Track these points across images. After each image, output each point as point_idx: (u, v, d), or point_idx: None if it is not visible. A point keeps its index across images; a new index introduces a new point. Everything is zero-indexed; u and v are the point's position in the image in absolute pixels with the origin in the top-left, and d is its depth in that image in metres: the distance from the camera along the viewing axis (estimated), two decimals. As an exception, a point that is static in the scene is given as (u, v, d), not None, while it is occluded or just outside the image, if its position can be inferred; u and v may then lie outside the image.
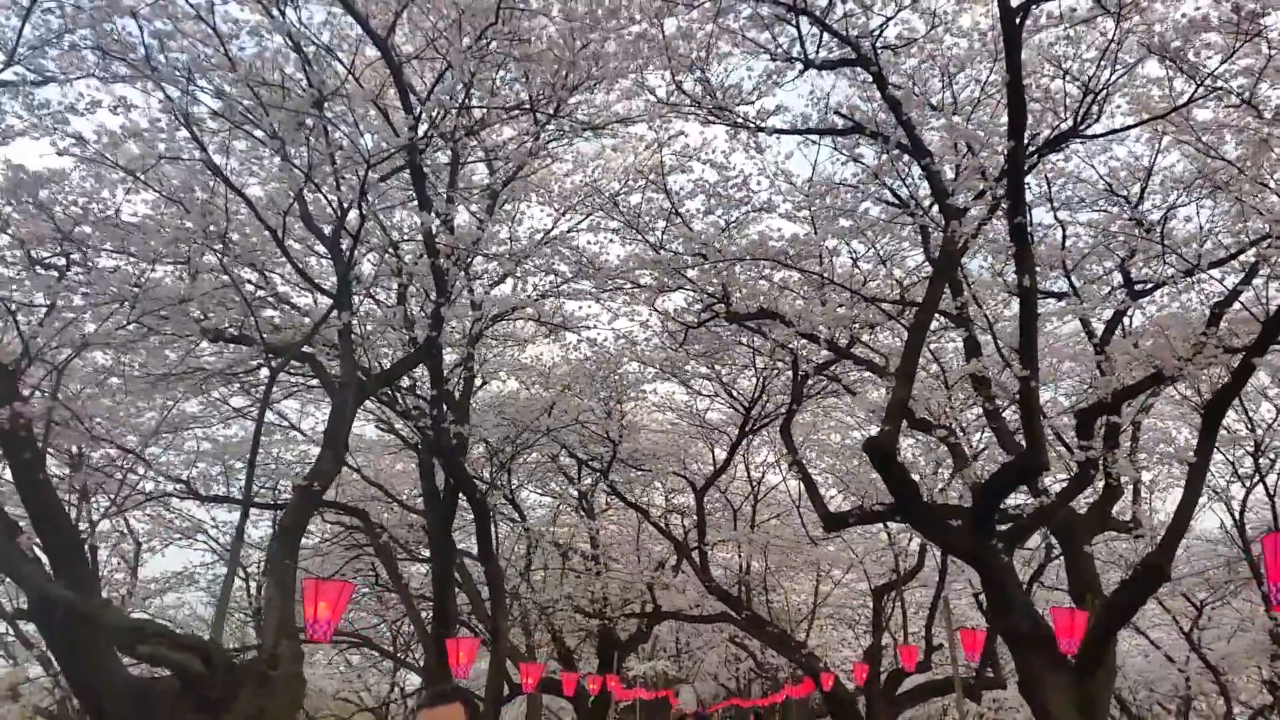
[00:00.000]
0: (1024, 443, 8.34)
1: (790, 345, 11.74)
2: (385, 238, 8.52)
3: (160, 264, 8.21)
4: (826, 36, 8.55)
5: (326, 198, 8.99)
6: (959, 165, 8.73)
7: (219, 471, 15.19)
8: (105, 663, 6.03)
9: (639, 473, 18.25)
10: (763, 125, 9.09)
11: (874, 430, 9.13)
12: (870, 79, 9.43)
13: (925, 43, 9.43)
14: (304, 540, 17.63)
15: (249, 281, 9.58)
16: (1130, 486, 11.17)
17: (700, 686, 31.81)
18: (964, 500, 11.97)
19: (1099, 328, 10.29)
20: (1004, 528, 9.84)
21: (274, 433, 14.57)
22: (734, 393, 15.90)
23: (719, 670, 30.24)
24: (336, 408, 7.29)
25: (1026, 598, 9.21)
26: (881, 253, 11.90)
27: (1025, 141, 7.36)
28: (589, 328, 13.37)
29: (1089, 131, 8.41)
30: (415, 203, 7.55)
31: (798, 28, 8.47)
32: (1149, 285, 9.46)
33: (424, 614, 13.59)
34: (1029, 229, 7.85)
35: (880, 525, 18.66)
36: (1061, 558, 17.92)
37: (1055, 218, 10.30)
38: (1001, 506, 9.53)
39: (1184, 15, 7.75)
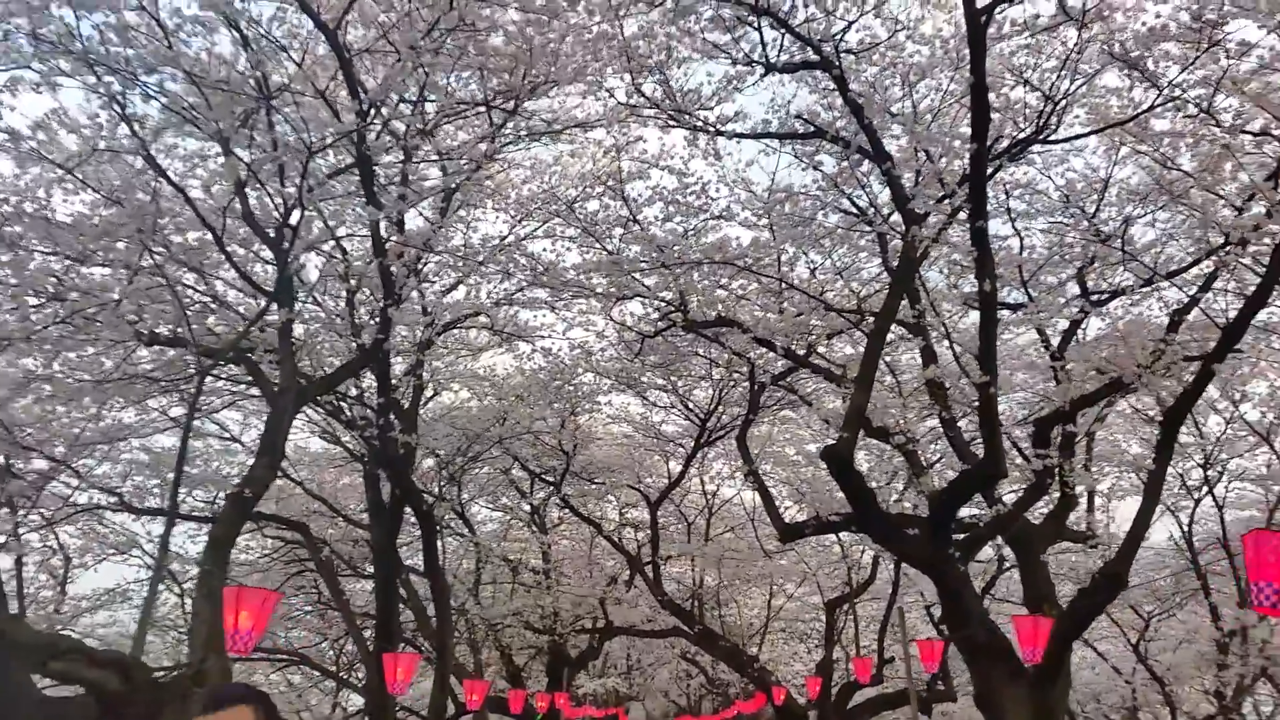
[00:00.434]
0: (982, 451, 8.31)
1: (747, 354, 11.61)
2: (328, 232, 8.17)
3: (93, 264, 7.79)
4: (788, 41, 8.46)
5: (271, 198, 8.66)
6: (919, 171, 8.66)
7: (156, 484, 14.64)
8: (15, 682, 5.61)
9: (593, 486, 18.00)
10: (723, 130, 8.96)
11: (831, 440, 9.01)
12: (831, 85, 9.43)
13: (886, 49, 9.39)
14: (244, 556, 17.17)
15: (188, 286, 9.19)
16: (1085, 497, 11.17)
17: (651, 703, 31.52)
18: (919, 512, 11.89)
19: (1054, 339, 10.31)
20: (960, 537, 9.78)
21: (214, 444, 14.08)
22: (690, 404, 15.74)
23: (670, 687, 29.98)
24: (274, 413, 6.95)
25: (983, 608, 9.11)
26: (838, 264, 11.85)
27: (988, 146, 7.29)
28: (543, 337, 13.12)
29: (1051, 138, 8.33)
30: (364, 201, 7.24)
31: (760, 30, 8.36)
32: (1106, 294, 9.46)
33: (368, 632, 13.17)
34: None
35: (834, 538, 18.61)
36: (1012, 570, 18.12)
37: (1013, 227, 10.32)
38: (957, 516, 9.45)
39: (1145, 24, 7.76)
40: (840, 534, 18.18)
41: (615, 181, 10.41)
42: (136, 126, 7.61)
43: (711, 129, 8.91)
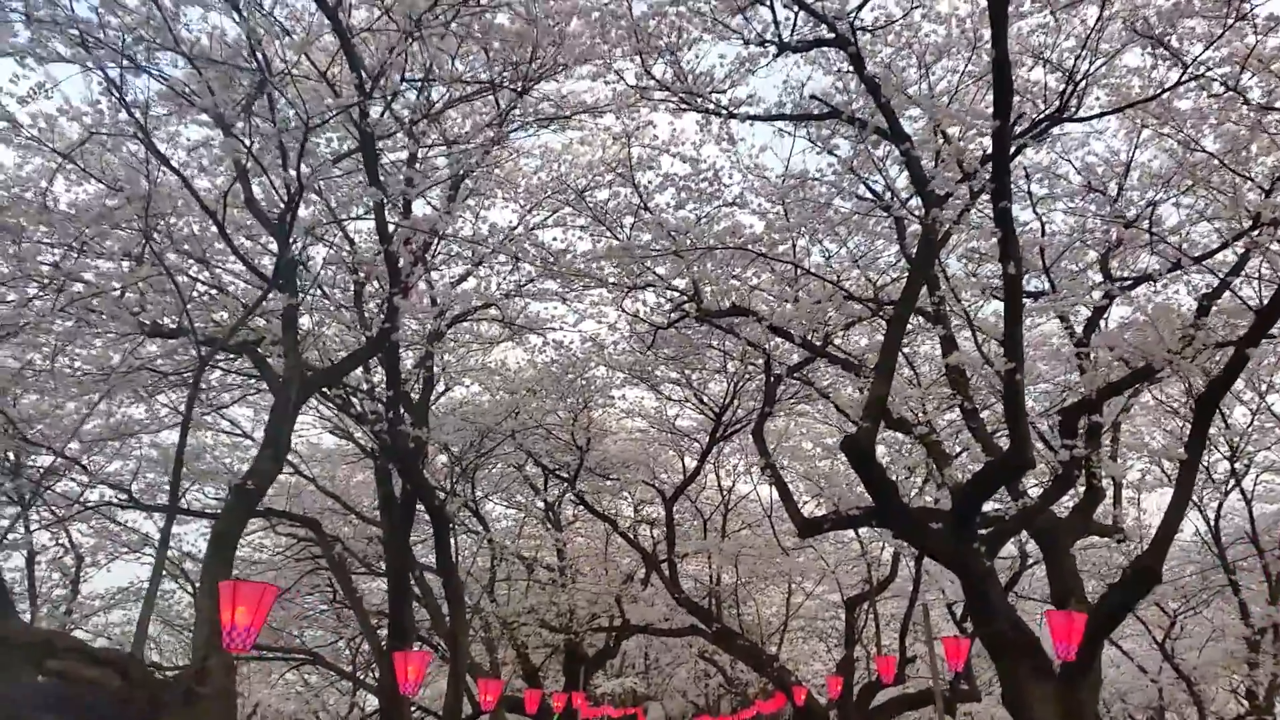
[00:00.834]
0: (1006, 443, 8.06)
1: (763, 346, 11.38)
2: (330, 214, 7.98)
3: (93, 252, 7.64)
4: (801, 20, 8.23)
5: (275, 187, 8.48)
6: (938, 152, 8.41)
7: (166, 480, 14.52)
8: (17, 681, 5.45)
9: (607, 482, 17.78)
10: (735, 112, 8.73)
11: (850, 432, 8.77)
12: (846, 67, 9.18)
13: (902, 29, 9.15)
14: (257, 555, 17.04)
15: (192, 277, 9.03)
16: (1111, 490, 10.88)
17: (669, 703, 31.27)
18: (941, 506, 11.62)
19: (1077, 328, 10.03)
20: (984, 532, 9.50)
21: (224, 440, 13.96)
22: (704, 398, 15.51)
23: (688, 687, 29.73)
24: (278, 404, 6.79)
25: (1009, 604, 8.84)
26: (854, 253, 11.59)
27: (1010, 124, 7.04)
28: (555, 329, 12.92)
29: (1076, 118, 8.07)
30: (368, 186, 7.05)
31: (772, 8, 8.14)
32: (1131, 280, 9.17)
33: (383, 631, 13.00)
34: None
35: (853, 535, 18.33)
36: (1034, 566, 17.79)
37: (1034, 210, 10.04)
38: (981, 510, 9.17)
39: (1169, -1, 7.49)
40: (860, 530, 17.90)
41: (625, 168, 10.19)
42: (138, 114, 7.47)
43: (724, 112, 8.69)
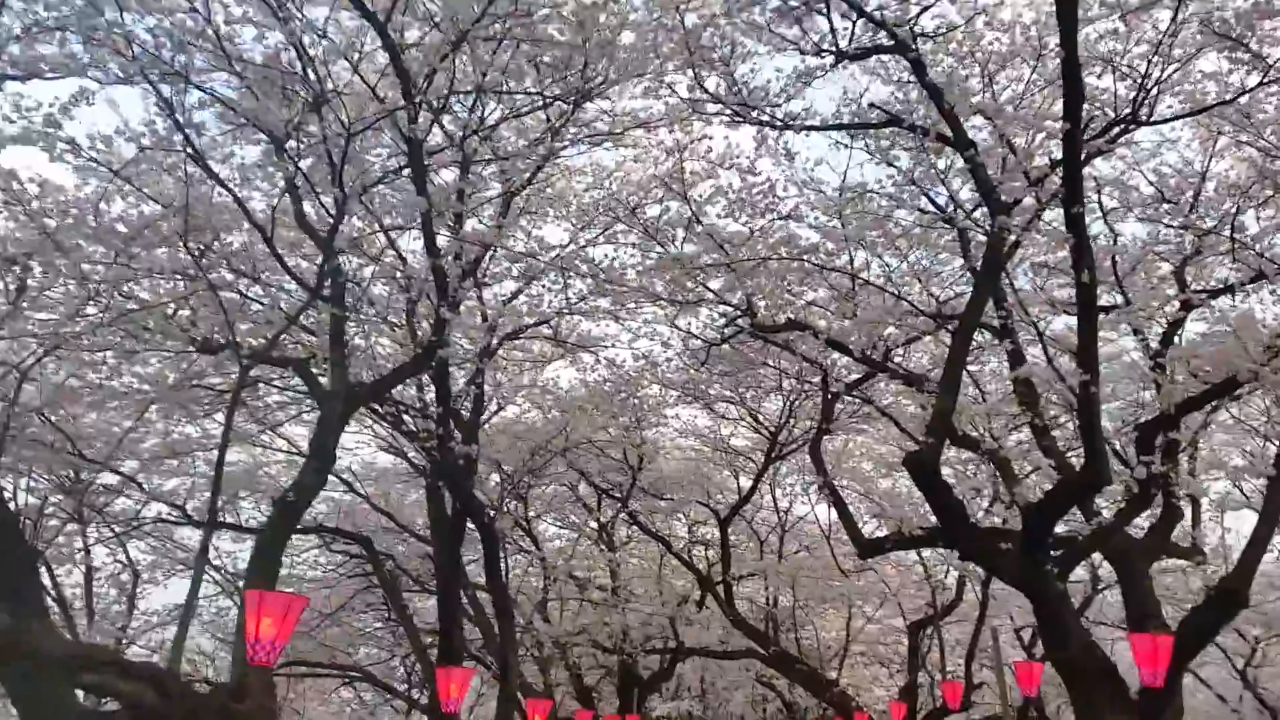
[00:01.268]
0: (1078, 462, 7.70)
1: (820, 362, 11.11)
2: (375, 222, 7.89)
3: (143, 270, 7.66)
4: (859, 29, 8.00)
5: (325, 206, 8.46)
6: (1005, 159, 8.10)
7: (224, 500, 14.63)
8: (55, 696, 5.39)
9: (661, 502, 17.53)
10: (791, 124, 8.51)
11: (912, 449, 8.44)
12: (906, 77, 8.93)
13: (965, 38, 8.88)
14: (310, 572, 17.09)
15: (243, 294, 9.03)
16: (1189, 510, 10.37)
17: (725, 728, 30.76)
18: (1009, 527, 11.19)
19: (1152, 344, 9.59)
20: (1056, 553, 9.10)
21: (279, 458, 14.01)
22: (759, 417, 15.22)
23: (745, 711, 29.16)
24: (324, 417, 6.70)
25: (1083, 628, 8.42)
26: (915, 267, 11.27)
27: (1081, 127, 6.73)
28: (608, 347, 12.77)
29: (1150, 121, 7.73)
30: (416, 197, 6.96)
31: (829, 17, 7.92)
32: (1209, 292, 8.73)
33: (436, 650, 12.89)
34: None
35: (916, 557, 17.83)
36: (1105, 591, 17.13)
37: (1105, 222, 9.66)
38: (1053, 530, 8.77)
39: (1247, -1, 7.12)
40: (923, 552, 17.42)
41: (678, 182, 10.02)
42: (188, 129, 7.49)
43: (780, 123, 8.47)
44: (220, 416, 12.89)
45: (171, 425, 12.43)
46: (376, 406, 11.39)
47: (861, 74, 9.19)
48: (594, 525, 18.18)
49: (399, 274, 9.95)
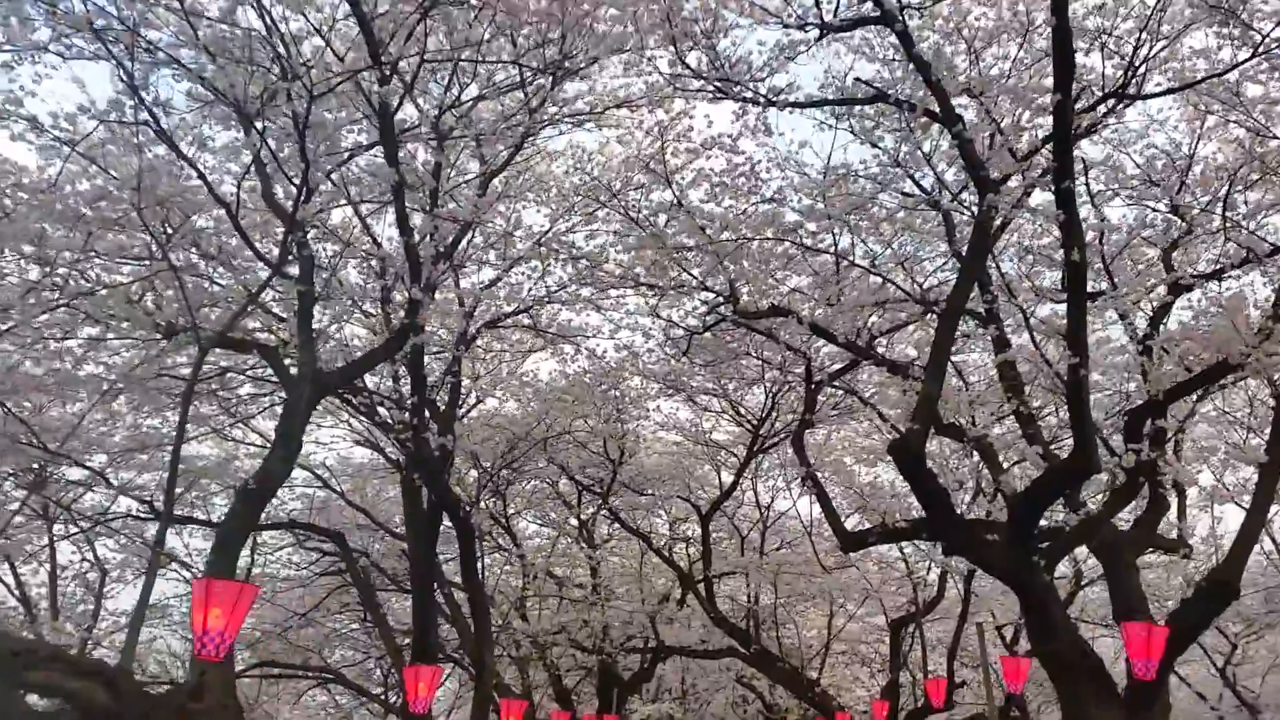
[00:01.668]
0: (1064, 451, 7.52)
1: (803, 350, 10.90)
2: (342, 194, 7.61)
3: (103, 250, 7.36)
4: (844, 2, 7.82)
5: (295, 185, 8.18)
6: (993, 135, 7.93)
7: (196, 495, 14.28)
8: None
9: (642, 498, 17.29)
10: (775, 100, 8.31)
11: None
12: (892, 55, 8.77)
13: (951, 13, 8.73)
14: (284, 571, 16.73)
15: (211, 278, 8.73)
16: (1175, 501, 10.23)
17: (707, 729, 30.54)
18: (993, 518, 11.03)
19: (1139, 329, 9.45)
20: (1042, 545, 8.93)
21: (250, 450, 13.68)
22: (741, 410, 15.02)
23: (726, 713, 28.97)
24: (290, 402, 6.42)
25: (1070, 622, 8.25)
26: (899, 254, 11.10)
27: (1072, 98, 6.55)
28: (588, 337, 12.53)
29: (1140, 95, 7.57)
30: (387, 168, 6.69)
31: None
32: (1203, 275, 8.59)
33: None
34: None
35: (898, 554, 17.68)
36: (1088, 586, 17.01)
37: (1092, 204, 9.51)
38: (1041, 519, 8.59)
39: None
40: (904, 550, 17.28)
41: (659, 163, 9.81)
42: (151, 102, 7.21)
43: (763, 99, 8.27)
44: (191, 410, 12.60)
45: (141, 417, 12.09)
46: (350, 397, 11.11)
47: (846, 52, 9.03)
48: (574, 523, 17.93)
49: (373, 259, 9.66)
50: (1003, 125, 8.58)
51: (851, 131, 9.50)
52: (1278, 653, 20.26)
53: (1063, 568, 14.96)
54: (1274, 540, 15.54)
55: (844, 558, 17.71)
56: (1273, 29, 7.93)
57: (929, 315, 10.14)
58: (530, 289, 11.37)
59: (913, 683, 19.30)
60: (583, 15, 7.76)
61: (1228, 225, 7.93)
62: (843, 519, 13.05)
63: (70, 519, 12.25)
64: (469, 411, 13.93)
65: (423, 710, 8.27)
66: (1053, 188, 6.55)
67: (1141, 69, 8.54)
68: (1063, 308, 9.68)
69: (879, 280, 9.78)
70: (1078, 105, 7.87)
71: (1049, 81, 7.57)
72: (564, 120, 9.84)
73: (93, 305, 7.39)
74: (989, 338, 9.77)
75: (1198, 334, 7.72)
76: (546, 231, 11.09)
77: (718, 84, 8.21)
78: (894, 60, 8.82)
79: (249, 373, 11.28)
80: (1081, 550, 14.07)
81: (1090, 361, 11.49)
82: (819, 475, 12.62)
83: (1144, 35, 8.35)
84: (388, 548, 15.87)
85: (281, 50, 7.25)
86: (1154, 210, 9.86)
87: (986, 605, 16.73)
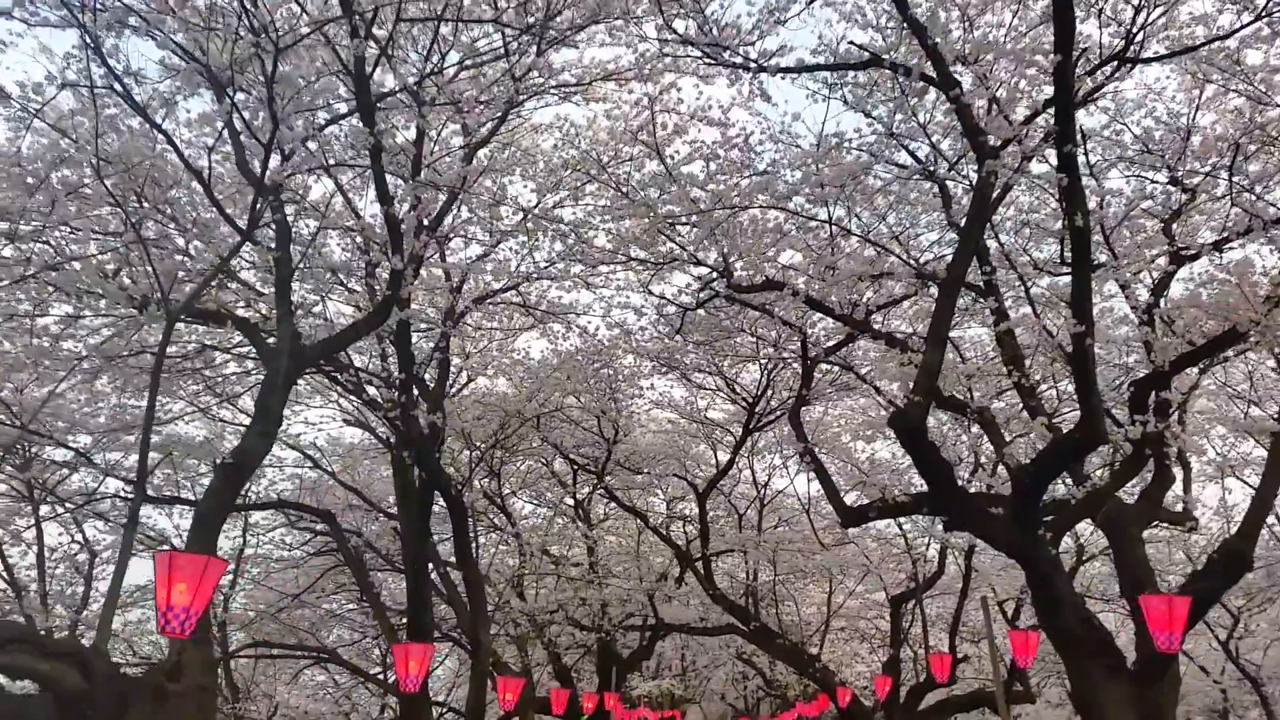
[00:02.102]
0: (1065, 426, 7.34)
1: (799, 325, 10.70)
2: (315, 159, 7.36)
3: (68, 222, 7.12)
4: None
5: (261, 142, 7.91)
6: (992, 100, 7.69)
7: (184, 476, 14.11)
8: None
9: (638, 477, 17.14)
10: (766, 65, 8.05)
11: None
12: (885, 19, 8.52)
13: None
14: (277, 552, 16.59)
15: (187, 252, 8.49)
16: (1180, 474, 10.05)
17: (708, 706, 30.57)
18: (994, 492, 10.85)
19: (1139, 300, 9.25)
20: (1046, 519, 8.76)
21: (234, 430, 13.47)
22: (737, 388, 14.83)
23: (726, 689, 29.01)
24: (269, 376, 6.22)
25: (1077, 596, 8.08)
26: (894, 229, 10.87)
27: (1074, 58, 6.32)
28: (579, 314, 12.31)
29: (1140, 59, 7.33)
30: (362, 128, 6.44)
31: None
32: (1212, 243, 8.36)
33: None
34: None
35: (897, 530, 17.56)
36: (1089, 561, 16.90)
37: (1091, 175, 9.27)
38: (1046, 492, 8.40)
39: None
40: (903, 525, 17.14)
41: (650, 135, 9.55)
42: (132, 81, 6.95)
43: (754, 65, 8.02)
44: (177, 389, 12.40)
45: (125, 397, 11.90)
46: (337, 375, 10.92)
47: (838, 20, 8.78)
48: (570, 502, 17.79)
49: (355, 234, 9.43)
50: (999, 95, 8.34)
51: (844, 101, 9.25)
52: (1281, 626, 20.19)
53: (1064, 543, 14.85)
54: (1277, 514, 15.36)
55: (842, 535, 17.60)
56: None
57: (925, 289, 9.94)
58: (518, 265, 11.14)
59: (914, 658, 19.23)
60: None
61: (1234, 192, 7.68)
62: (841, 495, 12.89)
63: (56, 500, 12.10)
64: (460, 391, 13.75)
65: (413, 689, 8.11)
66: (1051, 155, 6.31)
67: (1139, 37, 8.30)
68: (1061, 280, 9.51)
69: (874, 252, 9.54)
70: (1076, 71, 7.62)
71: (1046, 48, 7.36)
72: (550, 91, 9.59)
73: (63, 279, 7.17)
74: (986, 312, 9.58)
75: (1203, 302, 7.50)
76: (534, 206, 10.85)
77: (706, 49, 7.96)
78: (887, 27, 8.58)
79: (233, 351, 11.08)
80: (1082, 525, 13.94)
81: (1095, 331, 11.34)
82: (816, 452, 12.47)
83: (1142, 1, 8.10)
84: (382, 528, 15.73)
85: (249, 4, 7.00)
86: (1152, 182, 9.68)
87: (987, 580, 16.62)
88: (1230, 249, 8.74)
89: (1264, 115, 8.90)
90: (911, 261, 10.58)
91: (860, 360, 12.92)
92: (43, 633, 6.98)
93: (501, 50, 8.47)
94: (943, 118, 9.48)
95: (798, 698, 23.65)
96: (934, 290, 9.41)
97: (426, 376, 10.81)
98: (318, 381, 12.88)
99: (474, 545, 12.40)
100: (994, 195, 7.70)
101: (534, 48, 8.47)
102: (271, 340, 8.25)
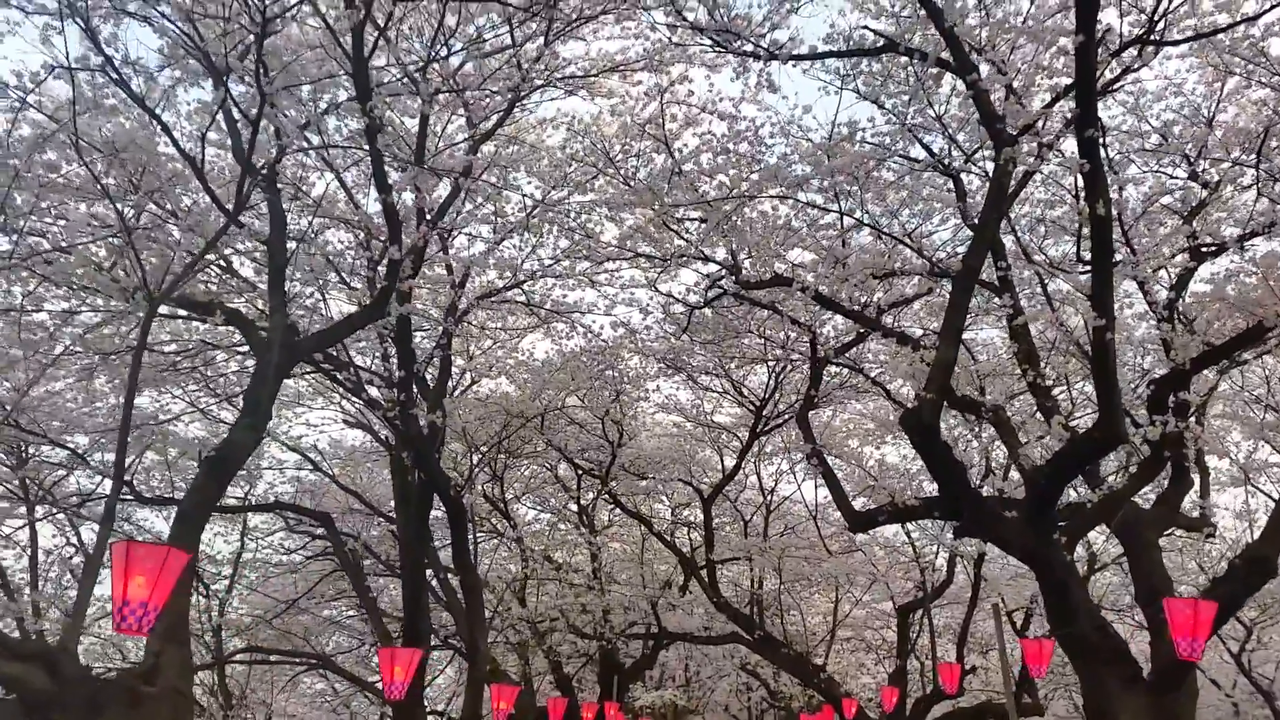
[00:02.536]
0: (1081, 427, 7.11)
1: (808, 324, 10.47)
2: (299, 134, 7.13)
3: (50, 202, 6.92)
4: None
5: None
6: (1009, 87, 7.48)
7: (180, 478, 13.89)
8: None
9: (642, 482, 16.89)
10: (777, 53, 7.85)
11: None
12: (898, 6, 8.33)
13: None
14: (279, 557, 16.35)
15: (185, 247, 8.30)
16: (1198, 479, 9.79)
17: (710, 717, 30.22)
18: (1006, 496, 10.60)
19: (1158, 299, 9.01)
20: (1061, 524, 8.51)
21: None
22: (744, 391, 14.60)
23: (730, 700, 28.66)
24: (259, 368, 6.00)
25: (1092, 602, 7.83)
26: (906, 226, 10.66)
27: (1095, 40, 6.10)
28: (584, 313, 12.09)
29: (1164, 42, 7.12)
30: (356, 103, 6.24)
31: (816, -64, 7.28)
32: (1227, 238, 8.14)
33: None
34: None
35: (905, 538, 17.28)
36: (1101, 570, 16.60)
37: (1110, 168, 9.05)
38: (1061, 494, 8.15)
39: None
40: (911, 533, 16.88)
41: (658, 128, 9.36)
42: (129, 71, 6.77)
43: (765, 53, 7.81)
44: (175, 388, 12.21)
45: (120, 396, 11.69)
46: (335, 373, 10.71)
47: (851, 9, 8.59)
48: (574, 508, 17.55)
49: (356, 229, 9.24)
50: (1016, 85, 8.14)
51: (857, 92, 9.04)
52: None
53: (1076, 552, 14.57)
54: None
55: (849, 542, 17.33)
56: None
57: (938, 287, 9.72)
58: (523, 262, 10.95)
59: (920, 669, 18.93)
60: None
61: (1260, 183, 7.46)
62: (849, 500, 12.63)
63: (52, 501, 11.89)
64: (463, 392, 13.54)
65: (399, 696, 7.78)
66: (1067, 148, 6.09)
67: (1160, 25, 8.10)
68: (1075, 280, 9.28)
69: (885, 248, 9.32)
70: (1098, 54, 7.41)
71: (1064, 40, 7.18)
72: (556, 84, 9.41)
73: (55, 271, 6.97)
74: (999, 313, 9.35)
75: (1228, 297, 7.26)
76: (540, 202, 10.65)
77: (716, 37, 7.77)
78: (901, 14, 8.40)
79: (233, 349, 10.89)
80: (1095, 534, 13.67)
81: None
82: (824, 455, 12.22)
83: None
84: (381, 532, 15.49)
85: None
86: (1172, 177, 9.48)
87: (997, 590, 16.32)
88: (1252, 246, 8.54)
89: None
90: (924, 261, 10.38)
91: (870, 363, 12.70)
92: (15, 635, 6.74)
93: (509, 40, 8.29)
94: (958, 110, 9.30)
95: (802, 709, 23.29)
96: (947, 287, 9.21)
97: (428, 376, 10.60)
98: (319, 382, 12.69)
99: (473, 550, 12.17)
100: (1011, 186, 7.47)
101: (541, 38, 8.29)
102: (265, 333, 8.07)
